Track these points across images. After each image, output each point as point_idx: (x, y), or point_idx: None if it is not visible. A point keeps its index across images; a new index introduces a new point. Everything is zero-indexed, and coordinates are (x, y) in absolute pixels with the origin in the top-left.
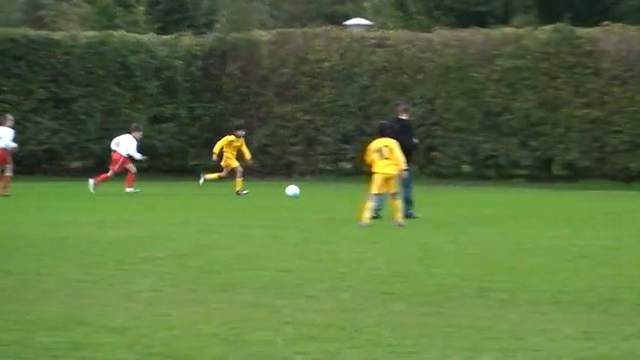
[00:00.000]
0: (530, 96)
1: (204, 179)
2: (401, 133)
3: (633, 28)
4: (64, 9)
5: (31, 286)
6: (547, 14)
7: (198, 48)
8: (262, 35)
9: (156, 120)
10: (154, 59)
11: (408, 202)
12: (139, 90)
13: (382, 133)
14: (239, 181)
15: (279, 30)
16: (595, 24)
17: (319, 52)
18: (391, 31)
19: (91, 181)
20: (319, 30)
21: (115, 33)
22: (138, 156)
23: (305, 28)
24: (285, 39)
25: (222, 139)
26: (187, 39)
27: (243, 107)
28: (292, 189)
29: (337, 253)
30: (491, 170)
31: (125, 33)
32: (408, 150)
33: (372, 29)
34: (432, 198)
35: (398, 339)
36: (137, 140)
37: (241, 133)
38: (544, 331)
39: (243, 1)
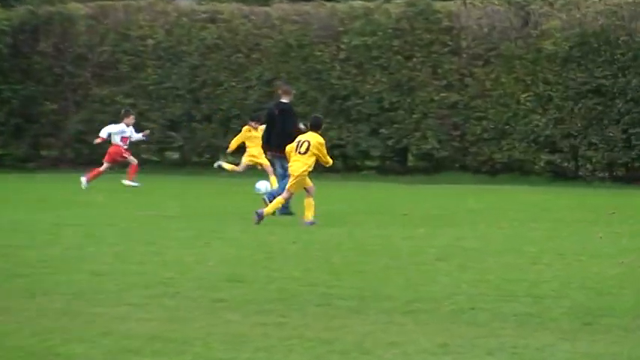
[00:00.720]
0: (382, 78)
1: (220, 166)
2: (280, 118)
3: (497, 1)
4: None
5: None
6: None
7: (6, 23)
8: (79, 9)
9: None
10: None
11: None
12: None
13: (314, 126)
14: (272, 179)
15: (98, 2)
16: None
17: (143, 27)
18: (224, 5)
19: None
20: (143, 3)
21: None
22: (138, 136)
23: (127, 1)
24: (104, 13)
25: (239, 134)
26: None
27: (57, 89)
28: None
29: (164, 255)
30: (339, 161)
31: None
32: (289, 137)
33: (202, 2)
34: None
35: (232, 352)
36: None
37: (254, 124)
38: (396, 344)
39: None
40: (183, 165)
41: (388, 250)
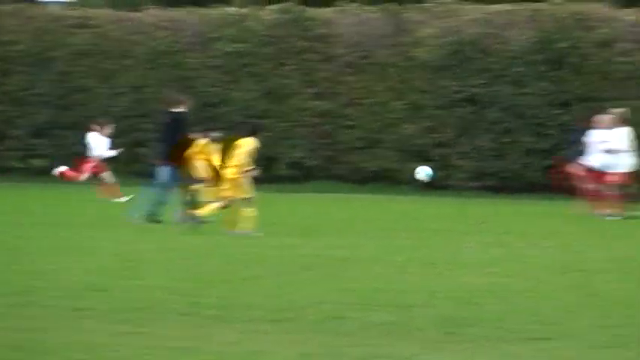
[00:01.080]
0: (253, 85)
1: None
2: (171, 127)
3: (372, 8)
4: None
5: None
6: None
7: None
8: None
9: None
10: None
11: (159, 204)
12: None
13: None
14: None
15: None
16: (328, 4)
17: (10, 33)
18: (95, 10)
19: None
20: (10, 8)
21: None
22: (111, 153)
23: None
24: None
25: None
26: None
27: None
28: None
29: (23, 263)
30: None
31: None
32: (179, 146)
33: (72, 7)
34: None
35: None
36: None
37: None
38: (257, 353)
39: None
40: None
41: (255, 259)
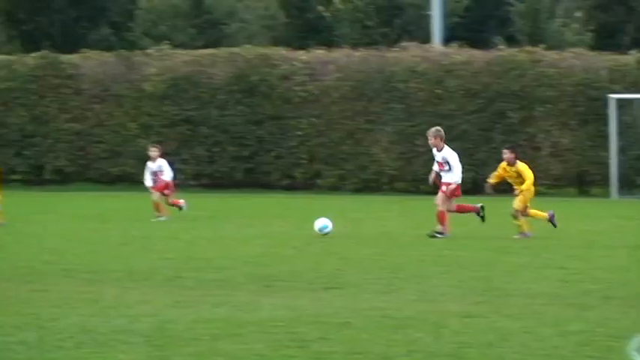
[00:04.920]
0: (23, 112)
1: None
2: None
3: (108, 54)
4: None
5: None
6: (29, 44)
7: None
8: None
9: None
10: None
11: None
12: None
13: None
14: None
15: None
16: (74, 51)
17: None
18: None
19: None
20: None
21: None
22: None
23: None
24: None
25: None
26: None
27: None
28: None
29: None
30: None
31: None
32: None
33: None
34: None
35: None
36: None
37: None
38: (145, 302)
39: None
40: None
41: (83, 238)
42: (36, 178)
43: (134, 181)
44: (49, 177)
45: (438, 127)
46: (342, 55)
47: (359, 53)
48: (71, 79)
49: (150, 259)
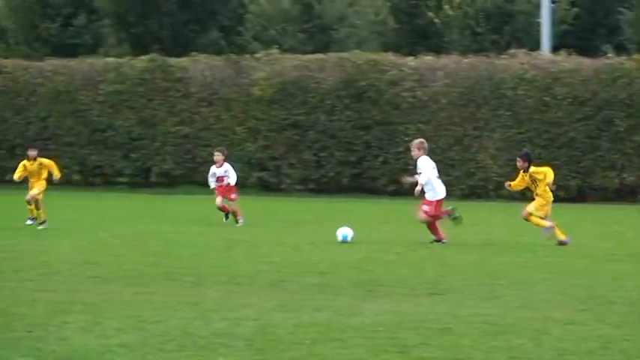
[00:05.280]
0: (131, 115)
1: None
2: None
3: (217, 58)
4: None
5: None
6: (138, 47)
7: None
8: None
9: None
10: None
11: None
12: None
13: None
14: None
15: None
16: (183, 54)
17: None
18: (7, 60)
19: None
20: None
21: None
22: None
23: None
24: None
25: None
26: None
27: None
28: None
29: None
30: (98, 178)
31: None
32: None
33: None
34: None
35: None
36: None
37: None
38: (248, 305)
39: None
40: None
41: (187, 241)
42: (142, 180)
43: (242, 185)
44: (155, 180)
45: (422, 139)
46: (450, 61)
47: (467, 60)
48: (180, 82)
49: (254, 262)
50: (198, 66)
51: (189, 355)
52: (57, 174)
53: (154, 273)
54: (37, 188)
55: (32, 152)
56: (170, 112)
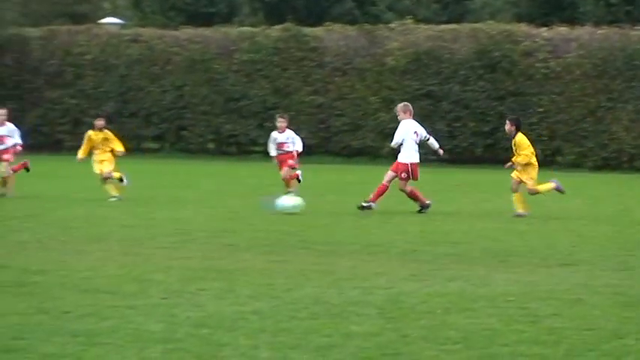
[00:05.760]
0: (265, 85)
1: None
2: None
3: (351, 27)
4: None
5: None
6: (272, 16)
7: None
8: (32, 32)
9: None
10: None
11: None
12: None
13: None
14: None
15: (47, 27)
16: (317, 24)
17: (82, 46)
18: (144, 29)
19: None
20: (82, 28)
21: None
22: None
23: (69, 26)
24: (52, 35)
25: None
26: None
27: (15, 92)
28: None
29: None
30: (232, 147)
31: None
32: None
33: (126, 27)
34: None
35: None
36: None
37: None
38: (381, 274)
39: None
40: None
41: (335, 210)
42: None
43: (374, 154)
44: None
45: (406, 103)
46: (584, 32)
47: (601, 31)
48: (314, 52)
49: (387, 232)
50: (333, 35)
51: (322, 323)
52: (120, 149)
53: (288, 241)
54: (109, 163)
55: (100, 122)
56: (304, 81)
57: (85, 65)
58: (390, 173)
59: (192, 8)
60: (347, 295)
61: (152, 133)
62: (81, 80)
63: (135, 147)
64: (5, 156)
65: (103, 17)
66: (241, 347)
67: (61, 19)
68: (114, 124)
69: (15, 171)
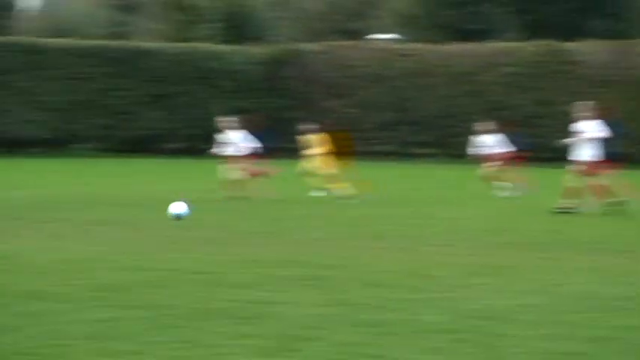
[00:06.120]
0: (525, 95)
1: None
2: None
3: (606, 42)
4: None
5: None
6: (527, 31)
7: (262, 56)
8: (311, 46)
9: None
10: (228, 64)
11: None
12: (216, 88)
13: None
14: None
15: (326, 43)
16: (570, 39)
17: (354, 60)
18: (412, 45)
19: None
20: (351, 43)
21: (198, 45)
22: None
23: (347, 42)
24: (330, 50)
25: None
26: (254, 48)
27: (294, 103)
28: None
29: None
30: None
31: (204, 44)
32: None
33: (398, 43)
34: None
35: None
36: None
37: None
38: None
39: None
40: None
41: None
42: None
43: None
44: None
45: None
46: None
47: None
48: (573, 64)
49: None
50: (590, 49)
51: (591, 317)
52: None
53: (556, 239)
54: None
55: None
56: (564, 92)
57: (358, 77)
58: None
59: (457, 25)
60: (613, 290)
61: (420, 140)
62: (356, 91)
63: (404, 152)
64: (240, 161)
65: (373, 33)
66: (518, 338)
67: (335, 34)
68: (385, 131)
69: (254, 175)
